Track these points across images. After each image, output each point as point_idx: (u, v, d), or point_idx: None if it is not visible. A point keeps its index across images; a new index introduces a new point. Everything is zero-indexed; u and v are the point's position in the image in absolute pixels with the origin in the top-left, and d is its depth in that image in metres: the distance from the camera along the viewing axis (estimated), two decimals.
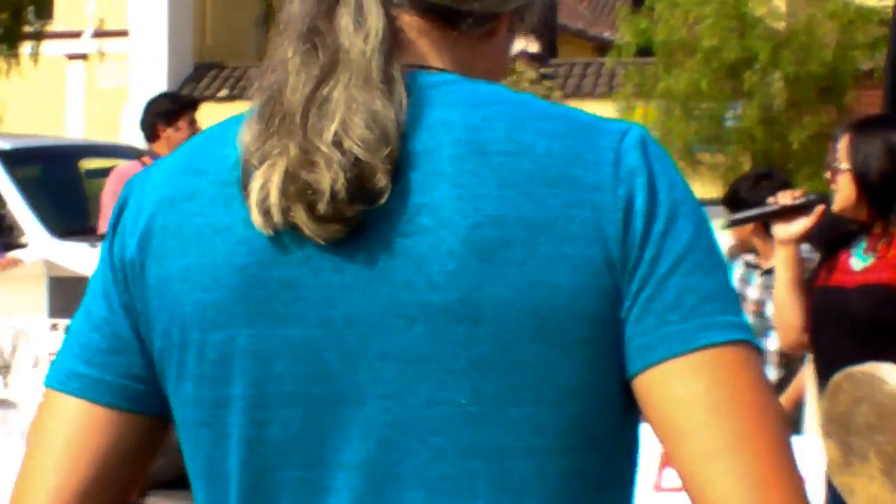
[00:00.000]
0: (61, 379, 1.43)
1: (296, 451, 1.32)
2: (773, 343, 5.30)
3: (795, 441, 5.15)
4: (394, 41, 1.34)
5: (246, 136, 1.33)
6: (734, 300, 1.32)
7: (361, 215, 1.28)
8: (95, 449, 1.41)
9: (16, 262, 6.52)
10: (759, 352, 1.33)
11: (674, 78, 18.42)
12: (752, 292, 5.34)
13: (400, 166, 1.29)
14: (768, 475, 1.25)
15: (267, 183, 1.29)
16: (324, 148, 1.28)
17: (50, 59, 25.76)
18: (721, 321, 1.29)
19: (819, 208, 4.00)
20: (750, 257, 5.38)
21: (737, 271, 5.42)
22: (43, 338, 5.76)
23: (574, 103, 24.21)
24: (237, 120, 1.38)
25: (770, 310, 5.25)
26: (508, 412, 1.28)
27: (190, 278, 1.34)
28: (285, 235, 1.30)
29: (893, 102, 7.06)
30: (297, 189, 1.27)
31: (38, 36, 21.36)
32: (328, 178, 1.26)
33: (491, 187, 1.29)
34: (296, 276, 1.31)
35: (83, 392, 1.41)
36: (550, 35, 27.60)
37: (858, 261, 3.91)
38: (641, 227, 1.29)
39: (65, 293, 6.03)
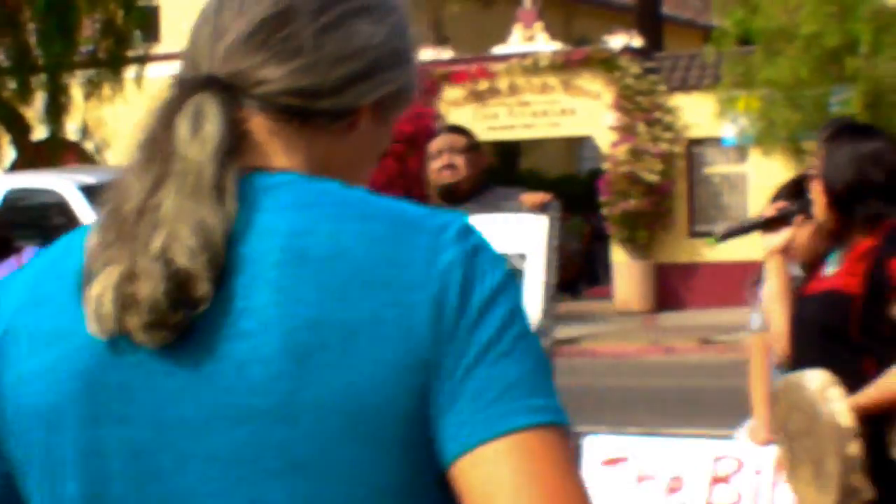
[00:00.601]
0: None
1: None
2: None
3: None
4: (238, 145, 1.40)
5: (91, 241, 1.38)
6: (543, 383, 1.35)
7: (189, 320, 1.33)
8: None
9: None
10: (568, 429, 1.36)
11: (775, 67, 18.15)
12: None
13: (227, 272, 1.34)
14: None
15: (103, 291, 1.34)
16: (147, 259, 1.33)
17: (156, 81, 26.18)
18: (526, 405, 1.33)
19: (797, 219, 4.07)
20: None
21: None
22: None
23: (679, 96, 23.99)
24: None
25: None
26: None
27: (35, 381, 1.40)
28: (121, 340, 1.35)
29: None
30: (123, 299, 1.33)
31: (143, 60, 21.56)
32: (148, 288, 1.32)
33: (310, 292, 1.33)
34: (131, 380, 1.36)
35: None
36: (655, 27, 27.35)
37: (829, 269, 3.93)
38: (451, 322, 1.34)
39: None
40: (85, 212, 10.88)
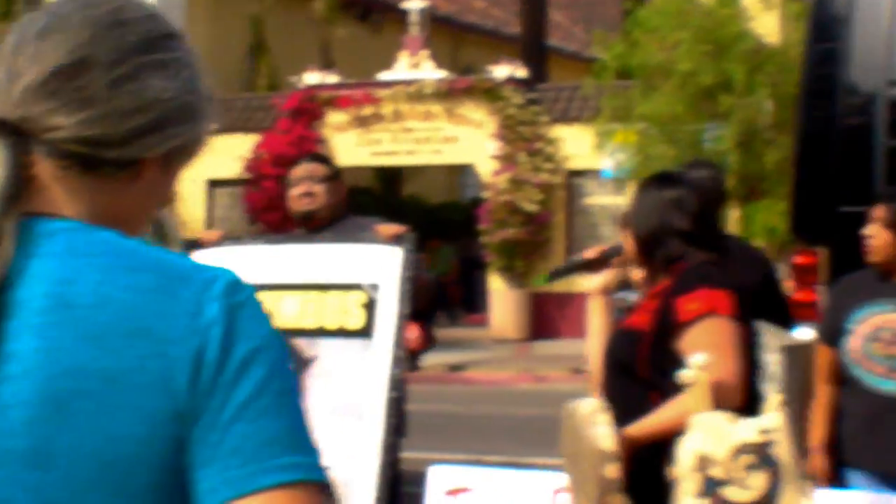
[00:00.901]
0: None
1: None
2: None
3: None
4: (23, 189, 1.43)
5: None
6: (300, 440, 1.40)
7: None
8: None
9: None
10: (323, 486, 1.41)
11: (651, 102, 18.44)
12: None
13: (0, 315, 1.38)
14: None
15: None
16: None
17: None
18: (280, 463, 1.38)
19: (615, 259, 4.27)
20: None
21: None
22: None
23: (560, 128, 24.24)
24: None
25: None
26: None
27: None
28: None
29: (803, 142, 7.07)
30: None
31: None
32: None
33: (71, 339, 1.37)
34: None
35: None
36: (540, 58, 27.61)
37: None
38: (210, 377, 1.38)
39: None
40: None
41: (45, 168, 1.47)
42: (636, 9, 18.98)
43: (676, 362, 3.75)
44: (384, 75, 25.72)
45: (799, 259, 6.93)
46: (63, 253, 1.42)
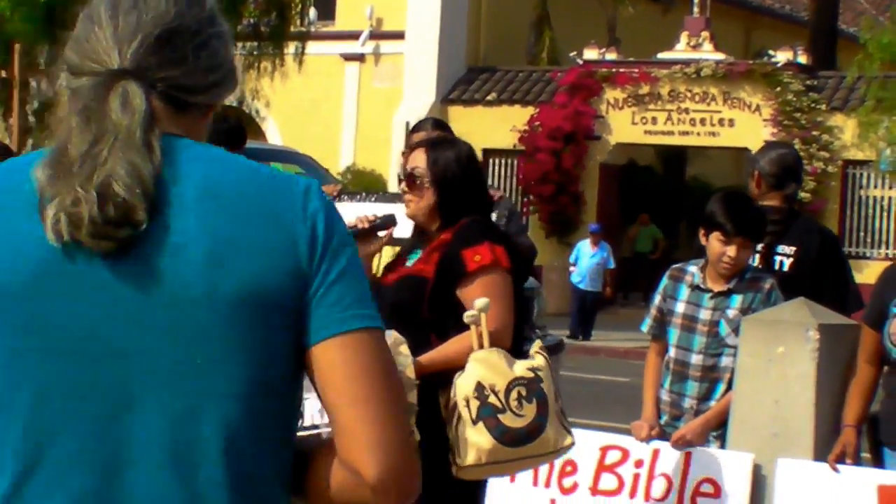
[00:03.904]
0: None
1: (77, 390, 1.90)
2: (725, 360, 5.49)
3: (720, 455, 5.36)
4: (153, 117, 1.96)
5: (39, 174, 1.92)
6: (371, 301, 2.01)
7: (131, 237, 1.89)
8: None
9: None
10: (383, 333, 2.00)
11: None
12: (705, 314, 5.52)
13: (159, 204, 1.91)
14: (386, 419, 1.93)
15: (57, 212, 1.88)
16: (90, 190, 1.87)
17: (325, 59, 26.90)
18: (366, 313, 1.98)
19: (387, 232, 4.73)
20: (699, 281, 5.55)
21: (669, 287, 5.63)
22: None
23: (839, 116, 23.76)
24: (32, 158, 1.97)
25: (723, 330, 5.50)
26: (229, 369, 1.91)
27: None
28: (72, 246, 1.90)
29: None
30: (73, 219, 1.88)
31: (304, 37, 22.25)
32: (86, 212, 1.86)
33: (224, 220, 1.93)
34: (82, 271, 1.91)
35: None
36: (829, 45, 27.12)
37: (409, 262, 4.68)
38: (321, 249, 1.96)
39: None
40: None
41: (157, 106, 1.98)
42: None
43: (457, 306, 4.35)
44: (663, 55, 25.78)
45: None
46: (198, 159, 1.96)
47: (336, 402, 1.94)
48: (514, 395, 4.09)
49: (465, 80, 27.39)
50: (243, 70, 21.01)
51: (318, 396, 1.97)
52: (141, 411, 1.90)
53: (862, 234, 24.65)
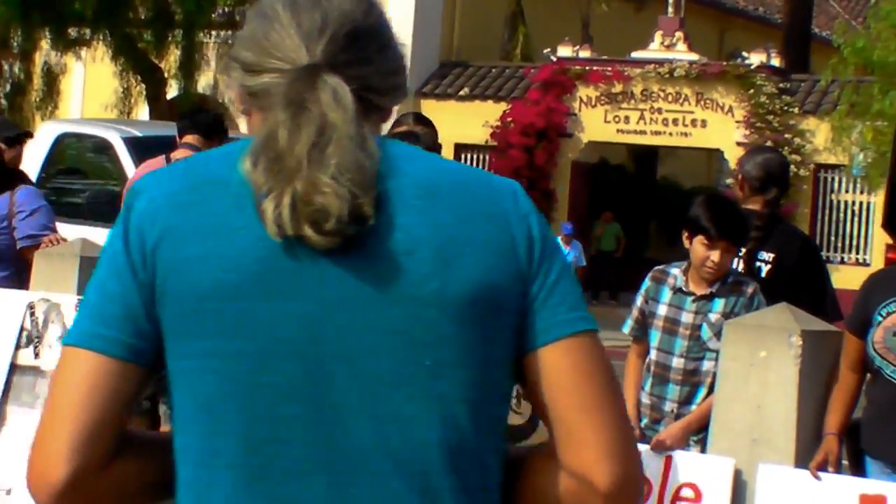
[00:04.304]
0: (84, 338, 1.85)
1: (296, 394, 1.80)
2: (707, 364, 5.46)
3: (701, 459, 5.31)
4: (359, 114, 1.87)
5: (249, 167, 1.82)
6: (585, 304, 1.94)
7: (357, 232, 1.80)
8: (108, 393, 1.83)
9: (59, 241, 6.99)
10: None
11: (889, 100, 18.06)
12: (687, 317, 5.48)
13: (379, 200, 1.82)
14: (617, 426, 1.87)
15: (279, 206, 1.78)
16: (330, 181, 1.78)
17: None
18: (586, 315, 1.92)
19: None
20: (682, 284, 5.51)
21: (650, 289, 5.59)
22: (70, 313, 6.12)
23: (811, 120, 23.80)
24: (233, 149, 1.88)
25: (705, 334, 5.46)
26: (457, 372, 1.84)
27: (209, 262, 1.82)
28: (293, 240, 1.80)
29: None
30: (311, 210, 1.78)
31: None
32: (336, 204, 1.78)
33: (446, 217, 1.86)
34: (301, 268, 1.82)
35: (103, 348, 1.84)
36: (802, 48, 27.17)
37: None
38: (539, 250, 1.90)
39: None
40: (126, 158, 11.53)
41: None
42: (880, 1, 18.56)
43: None
44: (637, 54, 25.78)
45: (891, 255, 6.92)
46: (410, 156, 1.91)
47: (566, 406, 1.88)
48: (512, 392, 3.98)
49: (438, 75, 27.32)
50: (218, 59, 20.89)
51: (532, 401, 1.94)
52: (364, 416, 1.81)
53: (833, 238, 24.70)
